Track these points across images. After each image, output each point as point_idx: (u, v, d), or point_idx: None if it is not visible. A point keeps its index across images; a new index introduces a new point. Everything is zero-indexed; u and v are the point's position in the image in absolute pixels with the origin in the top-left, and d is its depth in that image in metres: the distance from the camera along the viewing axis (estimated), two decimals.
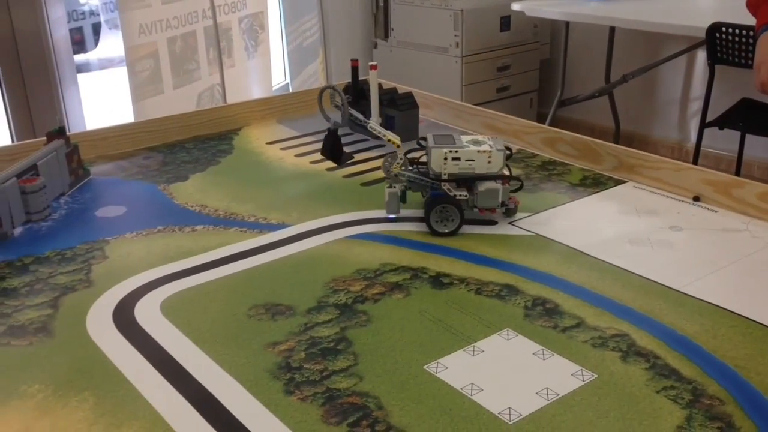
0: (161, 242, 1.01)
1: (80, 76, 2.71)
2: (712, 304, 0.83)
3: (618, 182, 1.18)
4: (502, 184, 1.02)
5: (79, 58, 3.75)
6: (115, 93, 3.44)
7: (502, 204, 1.03)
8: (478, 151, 1.00)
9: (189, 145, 1.40)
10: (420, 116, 1.42)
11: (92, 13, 4.44)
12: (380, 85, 1.41)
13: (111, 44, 4.53)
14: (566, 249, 0.97)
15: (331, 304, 0.85)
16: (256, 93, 2.97)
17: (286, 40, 3.32)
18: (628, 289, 0.87)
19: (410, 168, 1.05)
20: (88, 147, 1.30)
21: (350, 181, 1.22)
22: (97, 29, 4.56)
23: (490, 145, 1.02)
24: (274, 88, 3.20)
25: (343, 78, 1.66)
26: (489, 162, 1.01)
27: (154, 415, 0.67)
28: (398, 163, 1.03)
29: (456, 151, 1.00)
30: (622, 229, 1.02)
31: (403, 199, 1.05)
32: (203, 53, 2.68)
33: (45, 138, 1.19)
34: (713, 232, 1.01)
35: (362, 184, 1.20)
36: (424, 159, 1.07)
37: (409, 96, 1.42)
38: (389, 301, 0.86)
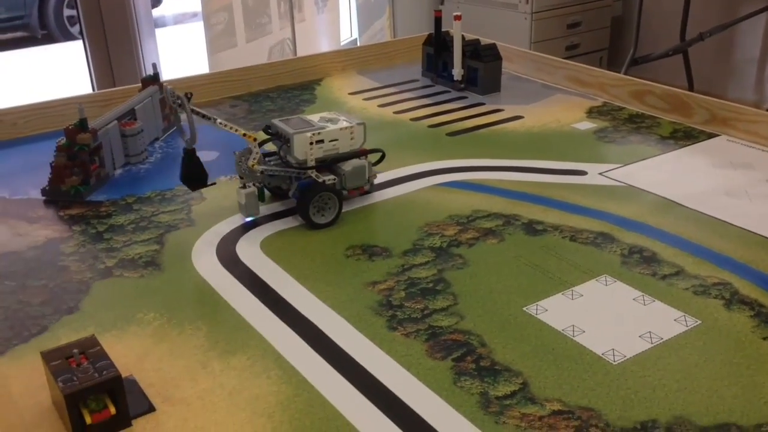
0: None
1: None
2: None
3: (710, 135, 1.15)
4: (365, 158, 0.96)
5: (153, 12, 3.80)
6: (188, 47, 3.49)
7: (368, 180, 0.97)
8: (341, 129, 0.93)
9: (273, 94, 1.42)
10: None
11: None
12: (463, 37, 1.41)
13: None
14: (660, 200, 0.96)
15: (427, 247, 0.87)
16: (325, 47, 2.97)
17: None
18: (727, 240, 0.86)
19: (267, 160, 0.95)
20: None
21: (435, 131, 1.22)
22: None
23: (346, 120, 0.95)
24: (342, 43, 3.20)
25: (409, 32, 1.65)
26: (352, 139, 0.94)
27: (264, 344, 0.70)
28: (254, 159, 0.92)
29: (319, 133, 0.92)
30: (717, 181, 1.01)
31: (261, 197, 0.95)
32: (275, 7, 2.69)
33: (140, 84, 1.22)
34: None
35: (447, 134, 1.20)
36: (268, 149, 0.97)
37: (493, 47, 1.41)
38: (484, 246, 0.87)
